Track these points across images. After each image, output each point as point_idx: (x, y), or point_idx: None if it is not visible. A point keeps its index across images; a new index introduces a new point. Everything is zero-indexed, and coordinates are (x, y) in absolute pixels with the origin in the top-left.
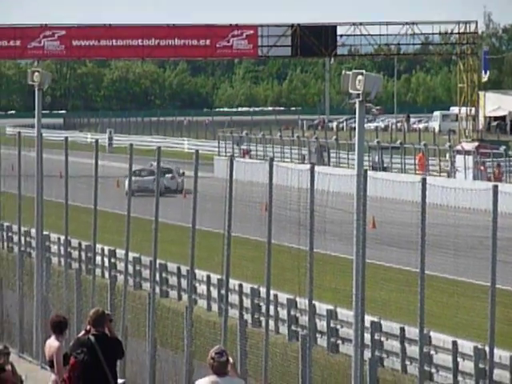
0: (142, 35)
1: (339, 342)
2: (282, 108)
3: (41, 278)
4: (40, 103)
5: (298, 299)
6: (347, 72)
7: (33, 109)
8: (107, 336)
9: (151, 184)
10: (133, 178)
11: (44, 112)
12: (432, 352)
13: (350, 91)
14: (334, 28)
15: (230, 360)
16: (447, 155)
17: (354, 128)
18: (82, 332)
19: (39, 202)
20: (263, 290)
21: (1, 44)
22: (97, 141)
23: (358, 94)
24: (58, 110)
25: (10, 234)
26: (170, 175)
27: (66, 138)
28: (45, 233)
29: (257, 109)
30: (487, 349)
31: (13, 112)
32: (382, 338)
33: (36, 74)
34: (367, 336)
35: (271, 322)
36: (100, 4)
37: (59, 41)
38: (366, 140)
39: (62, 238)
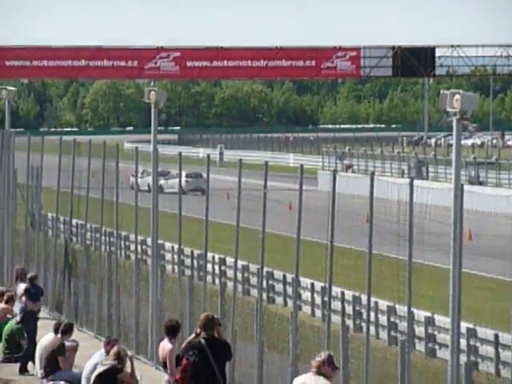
0: (251, 57)
1: (436, 347)
2: (382, 125)
3: (156, 283)
4: (156, 120)
5: (397, 306)
6: (445, 91)
7: (149, 125)
8: (216, 339)
9: None
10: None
11: (159, 128)
12: None
13: (448, 110)
14: (432, 50)
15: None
16: None
17: (452, 144)
18: (193, 335)
19: (155, 212)
20: (364, 298)
21: (119, 64)
22: (208, 156)
23: (455, 113)
24: (172, 126)
25: (127, 243)
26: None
27: (180, 153)
28: (160, 242)
29: (359, 126)
30: None
31: (131, 128)
32: (477, 344)
33: (152, 92)
34: (463, 341)
35: (372, 328)
36: (212, 27)
37: (174, 62)
38: (462, 156)
39: (176, 246)
